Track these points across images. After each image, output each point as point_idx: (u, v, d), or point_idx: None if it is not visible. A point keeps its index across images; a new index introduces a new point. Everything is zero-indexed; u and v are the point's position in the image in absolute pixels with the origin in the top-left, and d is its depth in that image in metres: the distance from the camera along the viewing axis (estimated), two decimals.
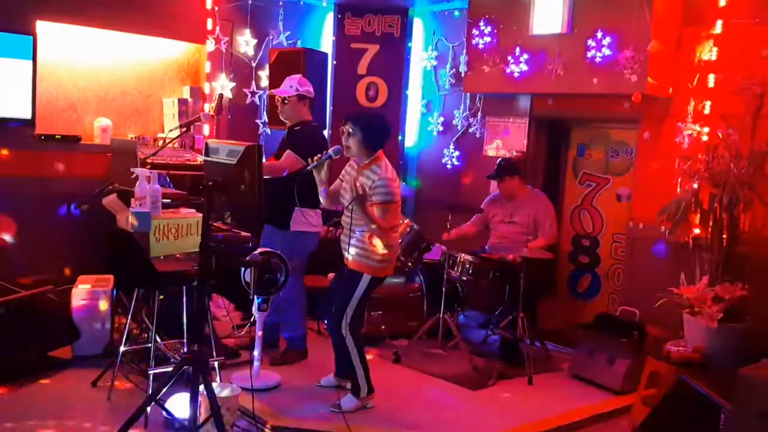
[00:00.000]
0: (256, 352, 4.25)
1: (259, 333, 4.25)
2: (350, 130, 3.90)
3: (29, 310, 4.34)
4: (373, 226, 3.87)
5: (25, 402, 3.86)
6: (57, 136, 4.99)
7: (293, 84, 4.62)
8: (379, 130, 3.99)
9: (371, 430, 3.77)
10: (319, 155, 3.89)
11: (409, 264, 5.14)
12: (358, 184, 3.90)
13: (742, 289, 4.21)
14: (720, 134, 4.53)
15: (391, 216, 3.92)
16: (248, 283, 4.01)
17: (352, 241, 3.94)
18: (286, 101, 4.60)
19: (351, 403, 4.00)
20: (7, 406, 3.77)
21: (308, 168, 3.90)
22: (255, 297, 4.12)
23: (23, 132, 4.83)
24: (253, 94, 6.27)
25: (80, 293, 4.56)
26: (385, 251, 3.92)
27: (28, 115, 4.75)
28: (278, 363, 4.64)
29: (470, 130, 6.26)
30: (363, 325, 4.26)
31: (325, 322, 5.15)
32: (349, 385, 4.17)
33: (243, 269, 4.02)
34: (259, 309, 4.19)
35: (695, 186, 4.54)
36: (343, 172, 4.11)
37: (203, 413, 3.23)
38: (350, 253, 3.98)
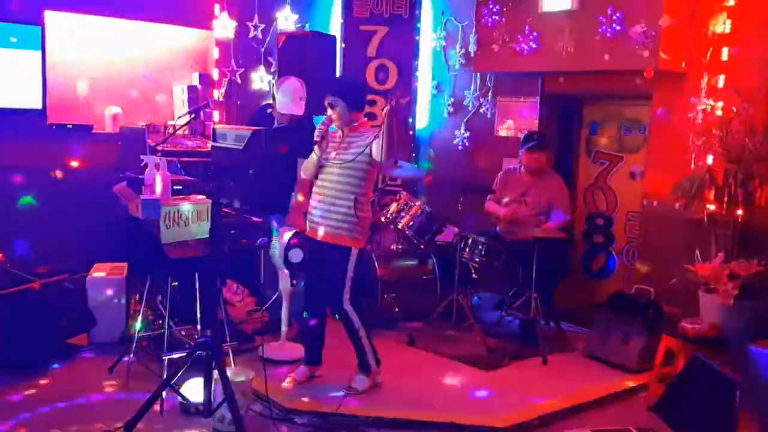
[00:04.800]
0: (283, 325, 4.40)
1: (285, 306, 4.39)
2: (331, 103, 3.86)
3: (46, 299, 4.39)
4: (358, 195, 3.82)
5: (44, 388, 3.92)
6: (69, 125, 5.03)
7: (301, 95, 4.53)
8: (357, 90, 4.02)
9: (386, 411, 3.78)
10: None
11: (422, 246, 5.13)
12: (353, 149, 3.80)
13: (758, 266, 4.16)
14: (734, 109, 4.46)
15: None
16: (292, 264, 4.23)
17: (334, 215, 3.84)
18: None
19: (363, 383, 4.01)
20: (25, 393, 3.82)
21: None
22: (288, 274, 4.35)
23: (35, 121, 4.87)
24: (261, 79, 6.25)
25: (95, 281, 4.61)
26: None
27: (38, 105, 4.78)
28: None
29: (481, 111, 6.20)
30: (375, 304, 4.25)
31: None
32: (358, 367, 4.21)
33: (287, 251, 4.20)
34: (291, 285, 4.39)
35: (710, 162, 4.49)
36: (316, 147, 3.92)
37: (218, 397, 3.26)
38: (331, 227, 3.85)
